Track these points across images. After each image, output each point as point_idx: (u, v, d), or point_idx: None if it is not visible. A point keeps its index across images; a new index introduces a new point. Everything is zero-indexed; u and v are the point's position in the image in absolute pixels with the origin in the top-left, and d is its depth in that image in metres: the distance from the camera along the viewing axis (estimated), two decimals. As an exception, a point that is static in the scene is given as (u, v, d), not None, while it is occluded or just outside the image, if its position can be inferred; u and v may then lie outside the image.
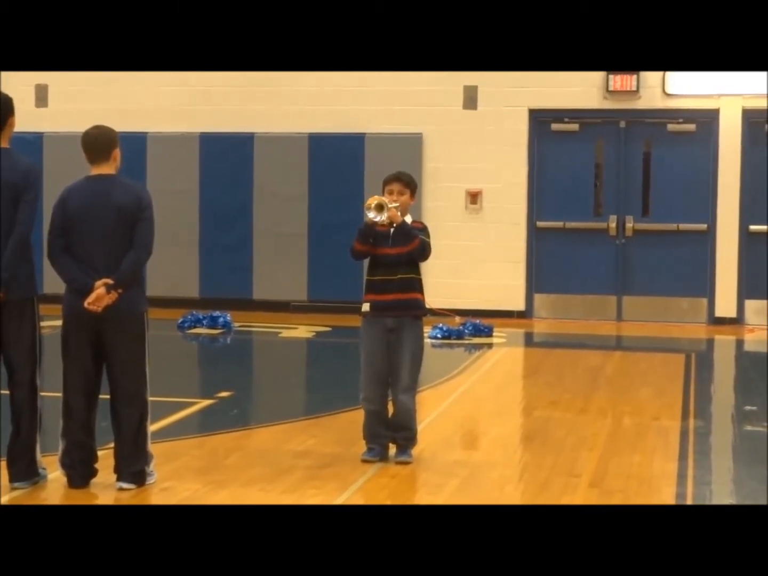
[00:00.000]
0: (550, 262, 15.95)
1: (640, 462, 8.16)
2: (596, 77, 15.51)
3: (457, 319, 14.79)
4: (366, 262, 8.17)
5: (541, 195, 15.94)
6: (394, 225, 7.90)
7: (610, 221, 15.82)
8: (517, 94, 15.61)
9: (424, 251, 7.98)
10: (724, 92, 15.31)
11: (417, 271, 8.08)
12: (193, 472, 7.73)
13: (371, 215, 7.83)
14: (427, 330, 12.60)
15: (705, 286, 15.62)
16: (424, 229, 8.10)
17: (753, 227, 15.46)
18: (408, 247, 7.94)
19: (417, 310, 8.08)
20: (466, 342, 13.85)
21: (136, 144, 15.73)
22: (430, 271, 8.20)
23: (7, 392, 7.22)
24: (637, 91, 15.48)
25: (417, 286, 8.08)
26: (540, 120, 15.86)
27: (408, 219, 8.01)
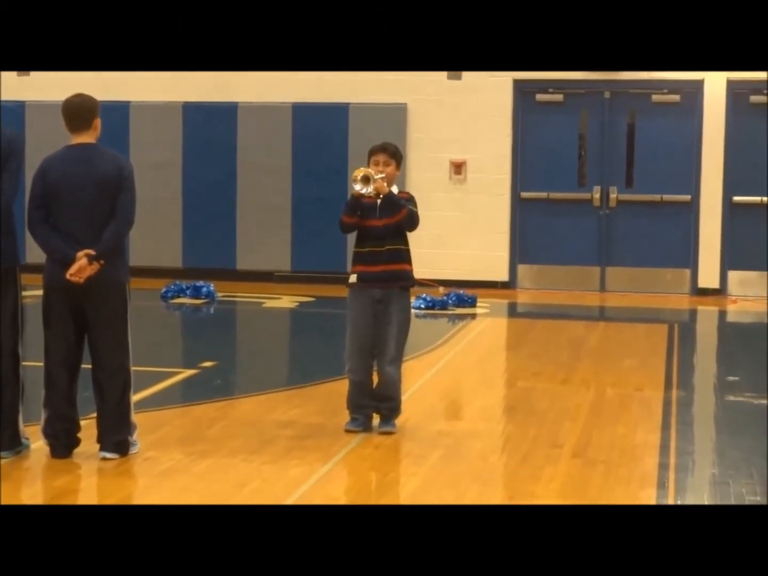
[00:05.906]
0: (534, 232, 15.94)
1: (623, 432, 8.18)
2: (581, 47, 15.45)
3: (441, 289, 14.79)
4: (353, 233, 8.15)
5: (525, 166, 15.92)
6: (381, 196, 7.88)
7: (594, 192, 15.81)
8: (501, 64, 15.54)
9: (412, 220, 7.97)
10: (709, 63, 15.27)
11: (405, 241, 8.07)
12: (176, 442, 7.72)
13: (358, 187, 7.80)
14: (411, 300, 12.57)
15: (688, 257, 15.64)
16: (410, 199, 8.07)
17: (736, 198, 15.48)
18: (395, 218, 7.92)
19: (405, 281, 8.07)
20: (450, 312, 13.85)
21: (119, 113, 15.67)
22: (413, 241, 8.18)
23: (-10, 362, 7.21)
24: (622, 61, 15.43)
25: (405, 256, 8.07)
26: (524, 91, 15.83)
27: (395, 189, 7.99)
